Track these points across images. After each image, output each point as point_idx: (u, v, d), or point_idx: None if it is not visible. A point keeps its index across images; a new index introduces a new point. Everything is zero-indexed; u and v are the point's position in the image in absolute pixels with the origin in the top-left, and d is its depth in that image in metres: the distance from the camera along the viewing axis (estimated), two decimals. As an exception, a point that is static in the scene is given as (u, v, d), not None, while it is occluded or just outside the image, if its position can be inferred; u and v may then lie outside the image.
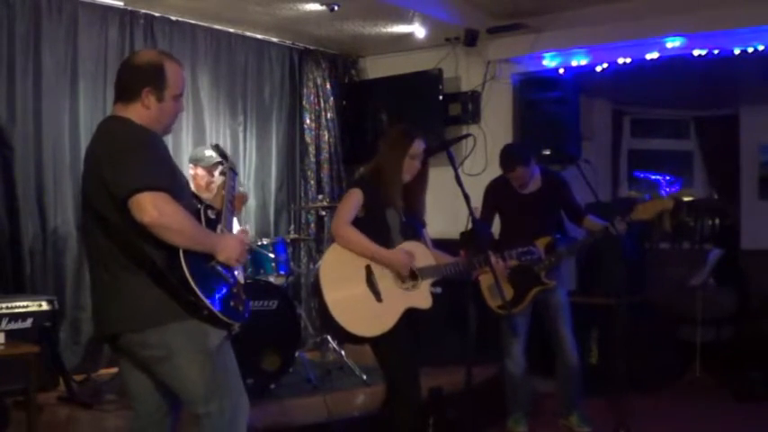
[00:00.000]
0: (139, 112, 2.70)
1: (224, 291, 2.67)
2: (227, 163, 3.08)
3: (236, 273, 2.79)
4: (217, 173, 5.23)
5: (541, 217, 4.68)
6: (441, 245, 3.84)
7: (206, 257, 2.64)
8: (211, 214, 2.80)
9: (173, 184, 2.61)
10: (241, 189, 5.33)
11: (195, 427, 2.70)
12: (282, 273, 5.23)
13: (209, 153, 5.11)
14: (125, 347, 2.72)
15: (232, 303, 2.68)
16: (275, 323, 4.81)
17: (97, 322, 2.83)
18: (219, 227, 2.78)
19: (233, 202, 2.95)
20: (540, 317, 4.74)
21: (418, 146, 3.62)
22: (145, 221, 2.47)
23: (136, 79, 2.70)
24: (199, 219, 2.73)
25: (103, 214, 2.62)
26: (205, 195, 4.95)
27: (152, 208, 2.47)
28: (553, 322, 4.71)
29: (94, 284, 2.78)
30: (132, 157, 2.55)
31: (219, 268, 2.67)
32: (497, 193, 4.82)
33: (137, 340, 2.65)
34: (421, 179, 3.69)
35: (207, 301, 2.54)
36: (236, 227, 4.31)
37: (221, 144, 6.25)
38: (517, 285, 4.54)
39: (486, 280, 4.54)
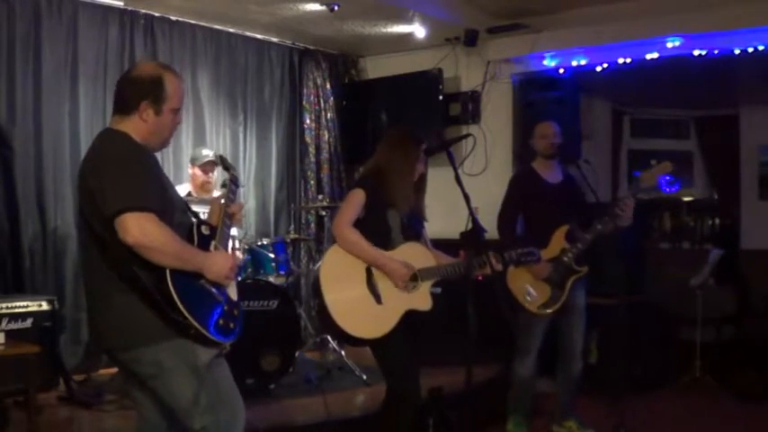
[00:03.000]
0: (137, 125, 2.66)
1: (213, 309, 2.64)
2: (228, 173, 3.00)
3: (228, 290, 2.74)
4: (213, 173, 5.23)
5: (567, 207, 4.61)
6: (440, 245, 3.83)
7: (196, 276, 2.60)
8: (205, 230, 2.75)
9: (162, 203, 2.59)
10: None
11: None
12: (282, 273, 5.24)
13: (205, 152, 5.10)
14: (119, 361, 2.74)
15: (221, 321, 2.64)
16: (275, 323, 4.81)
17: (91, 335, 2.83)
18: (213, 243, 2.73)
19: (231, 215, 2.88)
20: (555, 319, 4.62)
21: (423, 148, 3.66)
22: (129, 242, 2.46)
23: (134, 92, 2.66)
24: (191, 235, 2.70)
25: (96, 230, 2.60)
26: (204, 196, 4.97)
27: (136, 229, 2.44)
28: (569, 326, 4.62)
29: (88, 298, 2.78)
30: (120, 176, 2.52)
31: (209, 286, 2.64)
32: (526, 183, 4.73)
33: (127, 357, 2.65)
34: (423, 179, 3.71)
35: (193, 321, 2.52)
36: (233, 232, 4.26)
37: (221, 144, 6.31)
38: (553, 282, 4.49)
39: (516, 283, 4.50)
